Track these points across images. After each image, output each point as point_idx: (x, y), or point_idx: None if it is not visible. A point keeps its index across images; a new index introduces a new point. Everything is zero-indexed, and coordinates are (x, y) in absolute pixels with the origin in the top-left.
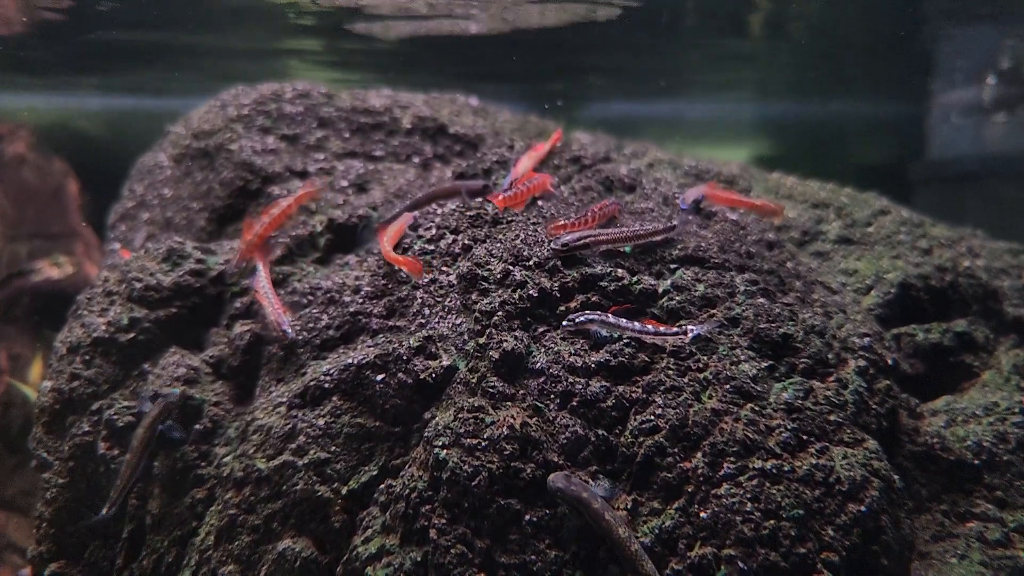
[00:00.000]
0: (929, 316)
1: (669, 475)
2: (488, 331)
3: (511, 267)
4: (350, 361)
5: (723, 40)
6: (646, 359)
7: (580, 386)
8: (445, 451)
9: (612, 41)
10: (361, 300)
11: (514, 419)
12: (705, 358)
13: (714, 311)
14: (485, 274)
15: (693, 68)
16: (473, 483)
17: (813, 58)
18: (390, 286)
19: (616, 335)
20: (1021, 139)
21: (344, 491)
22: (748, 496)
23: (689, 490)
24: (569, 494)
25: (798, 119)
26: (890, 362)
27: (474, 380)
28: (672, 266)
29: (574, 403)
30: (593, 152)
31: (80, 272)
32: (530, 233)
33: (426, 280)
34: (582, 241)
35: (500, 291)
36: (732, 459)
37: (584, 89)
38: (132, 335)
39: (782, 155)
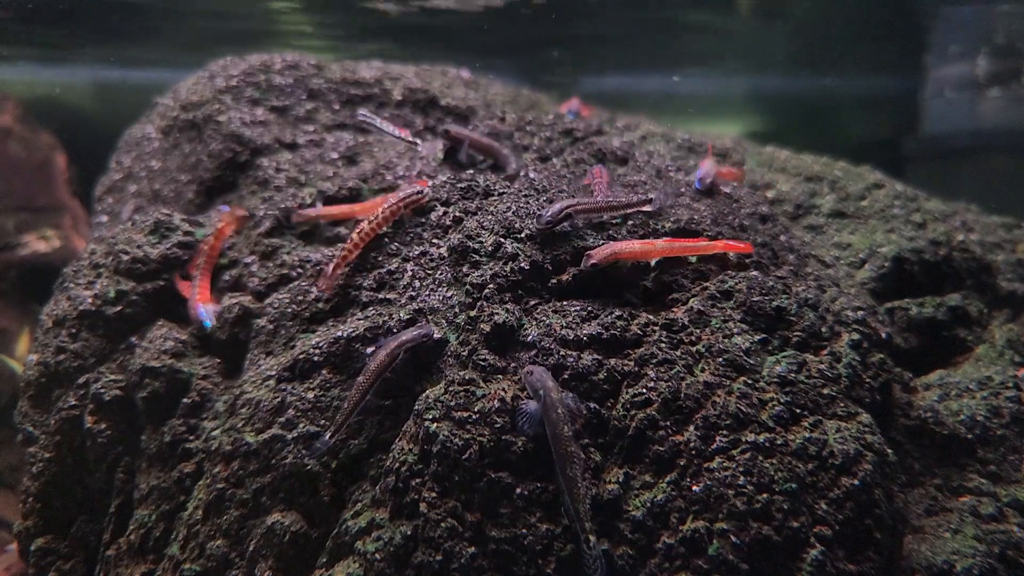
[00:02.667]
0: (923, 290)
1: (661, 448)
2: (479, 304)
3: (503, 239)
4: (340, 334)
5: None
6: (638, 332)
7: (572, 359)
8: (435, 424)
9: (605, 12)
10: (351, 272)
11: (505, 392)
12: (698, 331)
13: (707, 284)
14: (476, 246)
15: (687, 43)
16: (464, 456)
17: (807, 32)
18: (380, 259)
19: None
20: (1015, 114)
21: (334, 465)
22: (741, 470)
23: (681, 464)
24: (536, 380)
25: (792, 94)
26: (884, 336)
27: (465, 353)
28: None
29: (566, 376)
30: (585, 125)
31: (67, 245)
32: (521, 205)
33: (416, 252)
34: (563, 212)
35: (491, 264)
36: (725, 432)
37: (577, 62)
38: (119, 308)
39: (775, 130)
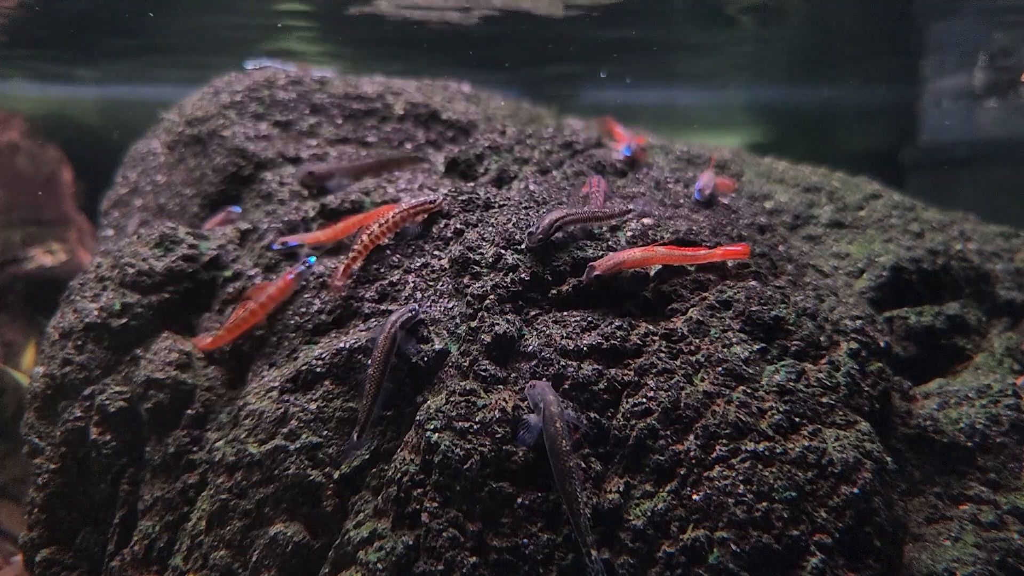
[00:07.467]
0: (921, 299)
1: (661, 458)
2: (480, 314)
3: (503, 251)
4: (342, 345)
5: (714, 27)
6: (638, 342)
7: (572, 369)
8: (437, 434)
9: (607, 28)
10: (353, 284)
11: (506, 402)
12: (697, 340)
13: (706, 294)
14: (477, 258)
15: (686, 55)
16: (465, 466)
17: (806, 44)
18: (382, 270)
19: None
20: (1012, 124)
21: (336, 475)
22: (741, 478)
23: (681, 472)
24: (537, 393)
25: (791, 105)
26: (882, 344)
27: (466, 363)
28: None
29: (566, 386)
30: (585, 138)
31: (73, 259)
32: (522, 217)
33: (418, 264)
34: (554, 225)
35: (492, 275)
36: (724, 441)
37: (577, 75)
38: (124, 320)
39: (775, 141)
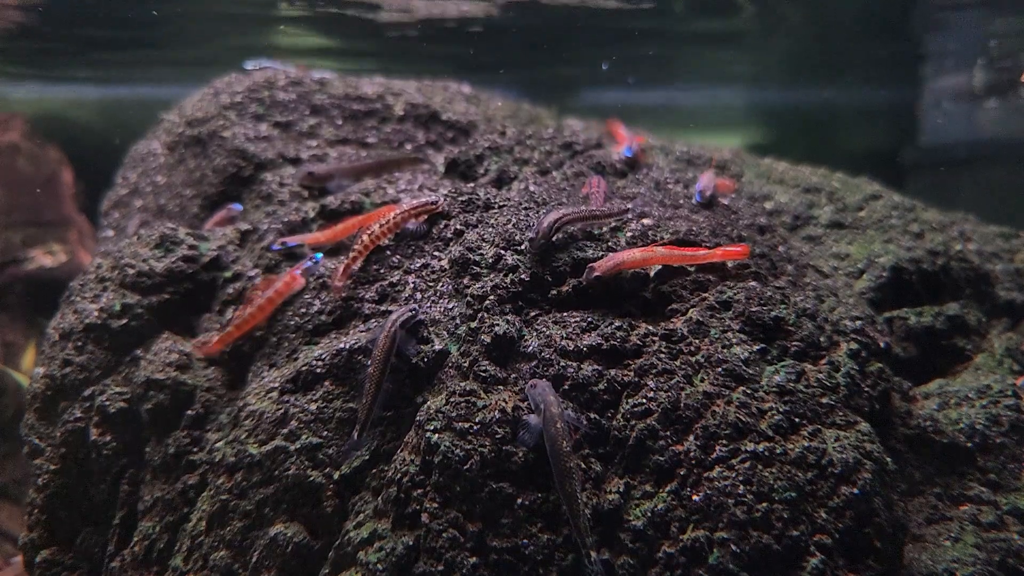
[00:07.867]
0: (921, 299)
1: (661, 458)
2: (480, 315)
3: (503, 251)
4: (342, 346)
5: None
6: (638, 342)
7: (572, 370)
8: (437, 435)
9: (607, 28)
10: (353, 285)
11: (506, 403)
12: (697, 341)
13: (705, 294)
14: (477, 259)
15: (686, 56)
16: (465, 467)
17: (806, 45)
18: (382, 271)
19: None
20: (1012, 124)
21: (336, 476)
22: (740, 479)
23: (681, 473)
24: (537, 393)
25: (791, 106)
26: (882, 345)
27: (466, 364)
28: None
29: (566, 387)
30: (585, 138)
31: (73, 260)
32: (522, 218)
33: (418, 265)
34: (554, 227)
35: (492, 275)
36: (724, 442)
37: (577, 75)
38: (124, 321)
39: (775, 142)
